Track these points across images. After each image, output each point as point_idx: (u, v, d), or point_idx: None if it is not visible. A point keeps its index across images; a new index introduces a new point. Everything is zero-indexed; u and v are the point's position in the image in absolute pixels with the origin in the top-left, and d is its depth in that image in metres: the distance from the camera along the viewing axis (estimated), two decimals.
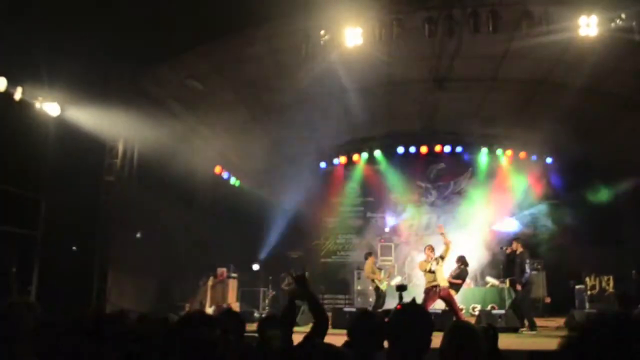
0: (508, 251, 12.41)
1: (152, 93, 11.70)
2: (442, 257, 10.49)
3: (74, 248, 11.05)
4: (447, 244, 10.46)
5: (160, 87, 11.69)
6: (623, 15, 9.73)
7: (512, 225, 16.39)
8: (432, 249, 10.84)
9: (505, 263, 12.55)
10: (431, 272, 10.44)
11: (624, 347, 1.23)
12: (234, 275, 12.77)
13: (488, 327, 3.04)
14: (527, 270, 11.87)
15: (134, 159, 11.49)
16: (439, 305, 11.93)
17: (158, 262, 12.01)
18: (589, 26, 9.87)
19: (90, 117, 10.17)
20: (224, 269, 12.28)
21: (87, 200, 10.73)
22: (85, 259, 10.55)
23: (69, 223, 10.32)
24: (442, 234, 10.67)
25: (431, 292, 10.41)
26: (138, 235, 11.67)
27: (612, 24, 9.85)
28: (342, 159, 18.23)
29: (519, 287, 12.28)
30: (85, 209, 10.66)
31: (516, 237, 12.82)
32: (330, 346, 2.00)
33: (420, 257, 15.31)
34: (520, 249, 12.11)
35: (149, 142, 11.27)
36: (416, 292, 11.37)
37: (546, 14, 9.72)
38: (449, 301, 10.54)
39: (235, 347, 3.39)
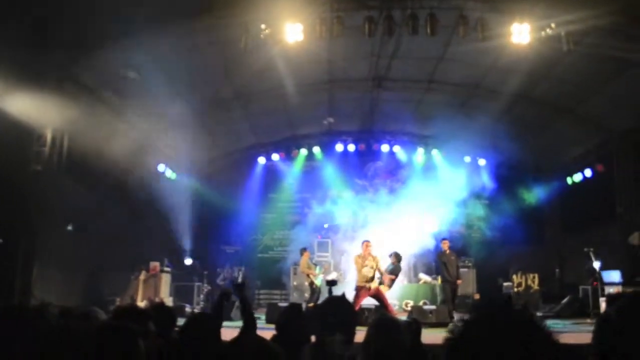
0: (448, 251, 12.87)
1: (85, 81, 11.29)
2: (378, 270, 10.71)
3: (0, 240, 10.52)
4: (376, 262, 10.71)
5: (93, 75, 11.28)
6: (553, 25, 10.19)
7: (443, 224, 16.86)
8: (368, 244, 11.00)
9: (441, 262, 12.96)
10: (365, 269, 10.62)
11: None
12: (167, 269, 12.52)
13: (412, 322, 3.12)
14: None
15: (64, 148, 11.04)
16: (372, 301, 12.15)
17: (88, 256, 11.62)
18: (521, 34, 10.27)
19: (17, 104, 9.69)
20: (157, 263, 12.01)
21: (12, 190, 10.23)
22: (10, 251, 10.06)
23: None
24: (369, 254, 10.79)
25: (362, 290, 10.61)
26: (69, 227, 11.24)
27: (543, 33, 10.30)
28: (281, 155, 18.19)
29: (459, 282, 12.77)
30: (11, 199, 10.17)
31: (444, 238, 13.34)
32: (261, 340, 2.01)
33: (356, 254, 15.59)
34: (449, 248, 12.71)
35: (81, 132, 10.86)
36: (349, 288, 11.54)
37: (481, 20, 10.04)
38: (380, 297, 10.76)
39: (163, 342, 3.34)
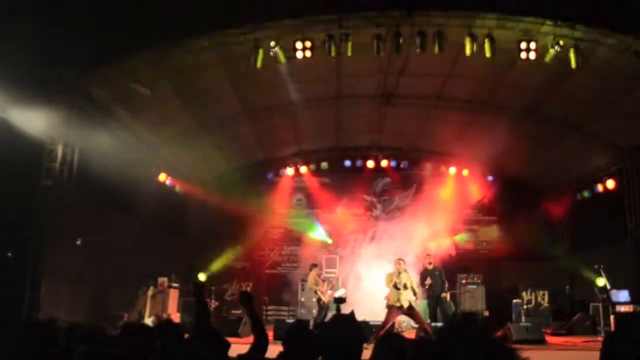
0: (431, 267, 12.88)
1: (96, 96, 11.42)
2: (412, 288, 10.60)
3: (9, 254, 10.59)
4: (409, 280, 10.62)
5: (104, 91, 11.42)
6: (561, 42, 10.23)
7: (452, 240, 16.82)
8: (401, 262, 10.86)
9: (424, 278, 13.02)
10: (397, 288, 10.48)
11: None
12: (175, 285, 12.51)
13: (420, 339, 3.10)
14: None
15: (74, 163, 11.13)
16: (380, 317, 12.07)
17: (97, 271, 11.65)
18: (529, 50, 10.32)
19: (29, 119, 9.81)
20: (165, 279, 12.01)
21: (23, 205, 10.32)
22: (20, 266, 10.11)
23: (4, 228, 9.90)
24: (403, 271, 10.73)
25: (393, 308, 10.52)
26: (78, 242, 11.28)
27: (551, 50, 10.33)
28: (290, 171, 18.24)
29: (444, 295, 12.94)
30: (22, 214, 10.25)
31: (427, 254, 13.59)
32: None
33: (365, 270, 15.55)
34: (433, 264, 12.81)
35: (91, 147, 10.96)
36: (357, 306, 11.50)
37: (489, 37, 10.10)
38: (415, 315, 10.72)
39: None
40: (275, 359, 2.90)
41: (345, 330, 2.54)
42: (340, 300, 10.59)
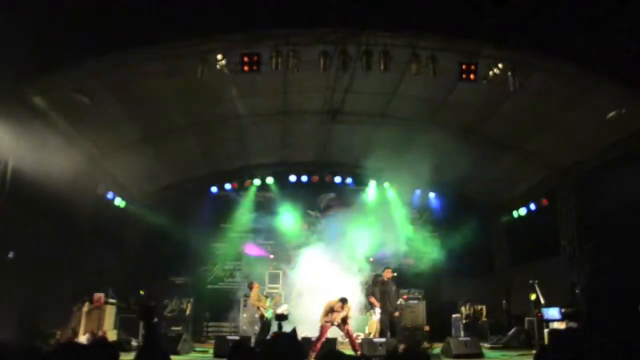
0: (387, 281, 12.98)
1: (33, 104, 10.98)
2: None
3: None
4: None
5: (42, 99, 11.00)
6: (500, 65, 10.65)
7: (393, 256, 17.07)
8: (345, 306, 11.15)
9: (381, 291, 13.09)
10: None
11: None
12: (112, 301, 12.08)
13: (360, 357, 3.11)
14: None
15: (7, 173, 10.63)
16: (332, 334, 12.08)
17: (29, 286, 11.10)
18: (469, 72, 10.68)
19: None
20: (102, 294, 11.57)
21: None
22: None
23: None
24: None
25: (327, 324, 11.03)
26: (10, 255, 10.73)
27: (490, 72, 10.74)
28: (234, 185, 18.08)
29: (397, 314, 12.93)
30: None
31: (387, 267, 13.49)
32: None
33: (308, 286, 15.47)
34: (390, 277, 12.85)
35: (26, 156, 10.50)
36: (301, 322, 11.47)
37: (432, 58, 10.39)
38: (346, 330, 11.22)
39: None
40: None
41: (286, 347, 2.54)
42: (281, 317, 10.53)
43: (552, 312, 11.47)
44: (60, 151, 11.59)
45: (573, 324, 10.74)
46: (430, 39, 10.41)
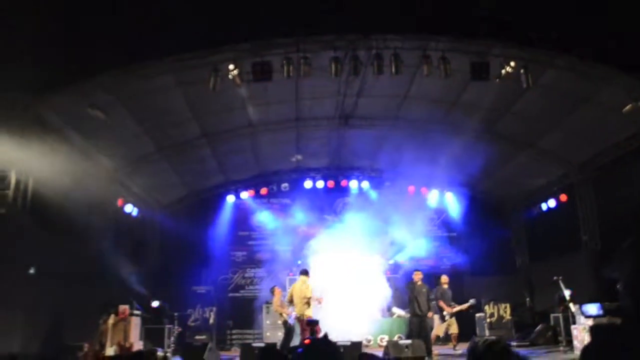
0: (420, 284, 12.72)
1: (50, 121, 11.15)
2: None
3: None
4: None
5: (58, 116, 11.17)
6: (512, 63, 10.60)
7: (414, 257, 16.98)
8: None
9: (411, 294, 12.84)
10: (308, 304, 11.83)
11: None
12: (137, 312, 12.20)
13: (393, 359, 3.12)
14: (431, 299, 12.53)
15: (28, 190, 10.81)
16: (348, 336, 12.11)
17: (53, 300, 11.26)
18: (481, 71, 10.64)
19: None
20: (126, 306, 11.69)
21: None
22: None
23: None
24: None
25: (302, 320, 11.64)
26: (31, 270, 10.89)
27: (503, 71, 10.69)
28: (250, 193, 18.18)
29: (430, 315, 12.73)
30: None
31: (417, 269, 13.22)
32: None
33: (328, 290, 15.46)
34: (420, 280, 12.61)
35: (45, 173, 10.66)
36: (327, 326, 11.52)
37: (443, 59, 10.38)
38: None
39: None
40: None
41: (324, 351, 2.55)
42: (313, 323, 10.61)
43: (592, 308, 11.23)
44: (77, 166, 11.74)
45: (616, 320, 10.55)
46: (440, 40, 10.41)
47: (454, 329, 13.46)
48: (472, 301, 13.94)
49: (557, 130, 13.39)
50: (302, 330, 11.65)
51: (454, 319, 13.55)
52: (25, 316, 10.44)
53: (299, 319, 11.67)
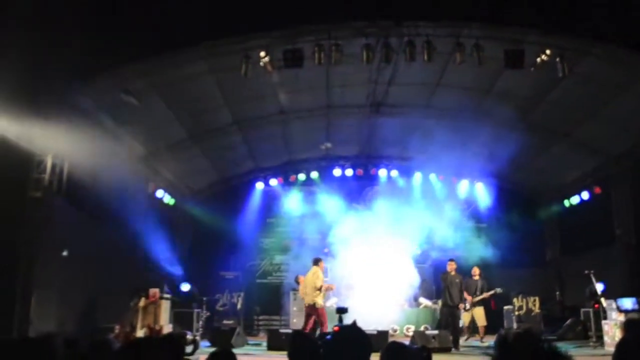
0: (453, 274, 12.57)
1: (85, 107, 11.34)
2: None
3: None
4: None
5: (93, 101, 11.35)
6: (548, 51, 10.35)
7: (443, 248, 16.82)
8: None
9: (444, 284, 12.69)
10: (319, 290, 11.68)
11: None
12: (166, 296, 12.41)
13: (422, 348, 3.11)
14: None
15: (64, 174, 11.05)
16: (374, 325, 12.13)
17: (86, 282, 11.53)
18: (516, 60, 10.42)
19: (17, 130, 9.72)
20: (157, 290, 11.91)
21: (10, 217, 10.20)
22: (8, 279, 9.98)
23: None
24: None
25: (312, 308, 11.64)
26: (64, 253, 11.16)
27: (538, 59, 10.45)
28: (279, 180, 18.25)
29: (461, 306, 12.63)
30: (11, 226, 10.13)
31: (451, 259, 13.09)
32: None
33: (355, 279, 15.47)
34: (454, 271, 12.51)
35: (80, 158, 10.88)
36: (354, 314, 11.50)
37: (477, 46, 10.20)
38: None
39: None
40: None
41: (355, 338, 2.55)
42: (342, 311, 10.64)
43: (627, 302, 11.00)
44: (110, 152, 11.95)
45: None
46: (474, 27, 10.23)
47: (482, 321, 13.34)
48: (497, 290, 13.70)
49: (593, 121, 13.06)
50: (307, 318, 11.77)
51: (481, 310, 13.40)
52: (59, 297, 10.72)
53: (311, 307, 11.60)
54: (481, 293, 13.56)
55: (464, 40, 10.33)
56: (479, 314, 13.41)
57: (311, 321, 11.58)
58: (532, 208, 18.25)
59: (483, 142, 14.38)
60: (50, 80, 10.50)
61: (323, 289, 11.84)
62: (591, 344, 11.81)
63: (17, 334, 9.18)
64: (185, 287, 14.89)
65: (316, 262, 12.27)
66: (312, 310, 11.60)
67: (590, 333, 12.55)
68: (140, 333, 11.01)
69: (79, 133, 10.82)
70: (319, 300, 11.60)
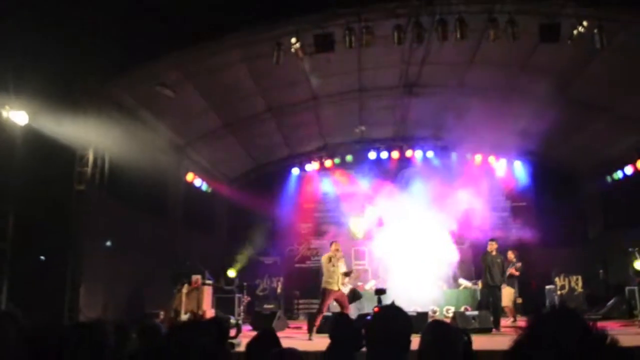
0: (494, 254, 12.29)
1: (122, 100, 11.62)
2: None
3: (42, 258, 10.86)
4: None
5: (129, 95, 11.62)
6: (585, 23, 10.05)
7: (480, 228, 16.64)
8: (337, 245, 11.46)
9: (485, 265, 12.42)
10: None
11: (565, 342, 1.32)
12: (208, 282, 12.70)
13: (462, 329, 3.12)
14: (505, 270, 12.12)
15: (105, 167, 11.37)
16: (414, 306, 12.13)
17: (129, 271, 11.89)
18: (552, 33, 10.15)
19: (59, 126, 10.02)
20: (199, 276, 12.20)
21: (57, 210, 10.57)
22: (57, 269, 10.37)
23: (39, 233, 10.16)
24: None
25: (330, 292, 10.93)
26: (108, 243, 11.53)
27: (575, 32, 10.16)
28: (315, 165, 18.32)
29: (504, 287, 12.39)
30: (56, 219, 10.50)
31: (492, 239, 12.83)
32: None
33: (393, 261, 15.48)
34: (495, 250, 12.27)
35: (120, 150, 11.17)
36: (392, 296, 11.55)
37: (511, 22, 9.98)
38: (341, 302, 11.01)
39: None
40: (326, 352, 2.99)
41: (396, 317, 2.58)
42: (380, 292, 10.67)
43: None
44: (149, 143, 12.24)
45: None
46: (507, 2, 10.00)
47: (505, 302, 12.73)
48: (517, 264, 13.18)
49: (636, 94, 12.65)
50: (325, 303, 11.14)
51: (510, 290, 12.83)
52: (105, 287, 11.09)
53: (326, 290, 11.02)
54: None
55: (497, 16, 10.11)
56: (505, 293, 12.98)
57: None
58: (572, 185, 17.85)
59: (519, 119, 14.10)
60: (88, 77, 10.78)
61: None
62: (637, 322, 11.58)
63: (68, 322, 9.54)
64: (231, 272, 15.22)
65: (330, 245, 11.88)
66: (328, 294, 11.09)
67: (635, 312, 12.30)
68: (184, 318, 11.32)
69: (119, 127, 11.13)
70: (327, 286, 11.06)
